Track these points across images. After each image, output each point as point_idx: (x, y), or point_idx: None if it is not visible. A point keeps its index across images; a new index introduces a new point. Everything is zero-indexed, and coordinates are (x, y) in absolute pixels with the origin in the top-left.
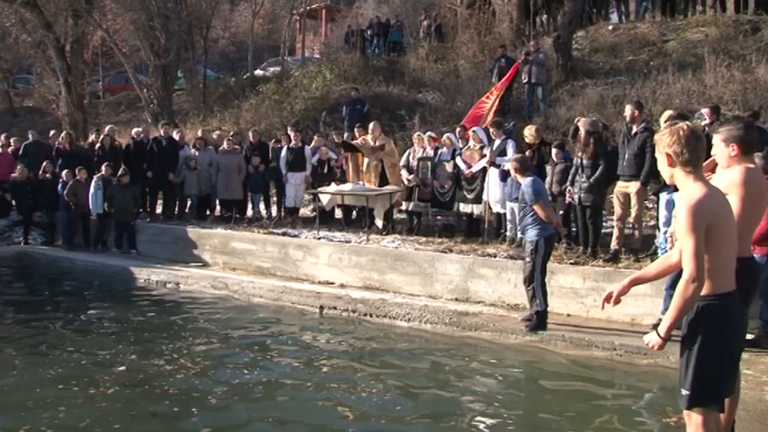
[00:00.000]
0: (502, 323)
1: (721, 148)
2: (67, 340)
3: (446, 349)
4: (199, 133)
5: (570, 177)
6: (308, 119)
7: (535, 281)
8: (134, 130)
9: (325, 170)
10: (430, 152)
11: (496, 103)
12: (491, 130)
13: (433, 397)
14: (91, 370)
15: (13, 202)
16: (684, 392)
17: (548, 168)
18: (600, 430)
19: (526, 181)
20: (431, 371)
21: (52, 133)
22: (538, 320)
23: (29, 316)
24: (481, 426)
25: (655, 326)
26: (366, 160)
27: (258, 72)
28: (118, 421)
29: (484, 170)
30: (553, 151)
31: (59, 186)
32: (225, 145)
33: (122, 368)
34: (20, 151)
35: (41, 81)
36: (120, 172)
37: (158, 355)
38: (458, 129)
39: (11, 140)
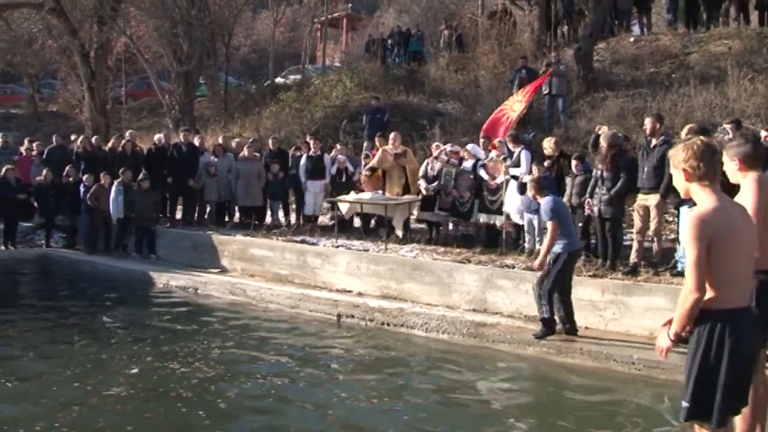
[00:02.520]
0: (520, 335)
1: (728, 165)
2: (84, 342)
3: (463, 360)
4: (219, 140)
5: (589, 189)
6: (328, 127)
7: (543, 288)
8: (156, 136)
9: (344, 179)
10: (453, 161)
11: (521, 113)
12: (508, 142)
13: (449, 408)
14: (107, 372)
15: (36, 205)
16: (684, 404)
17: (568, 180)
18: None
19: (544, 200)
20: (448, 382)
21: (73, 137)
22: (544, 327)
23: (48, 317)
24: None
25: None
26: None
27: (279, 80)
28: (130, 423)
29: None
30: (573, 162)
31: (81, 190)
32: (245, 152)
33: (137, 371)
34: (44, 155)
35: (66, 86)
36: (140, 177)
37: (174, 359)
38: (482, 140)
39: (35, 144)
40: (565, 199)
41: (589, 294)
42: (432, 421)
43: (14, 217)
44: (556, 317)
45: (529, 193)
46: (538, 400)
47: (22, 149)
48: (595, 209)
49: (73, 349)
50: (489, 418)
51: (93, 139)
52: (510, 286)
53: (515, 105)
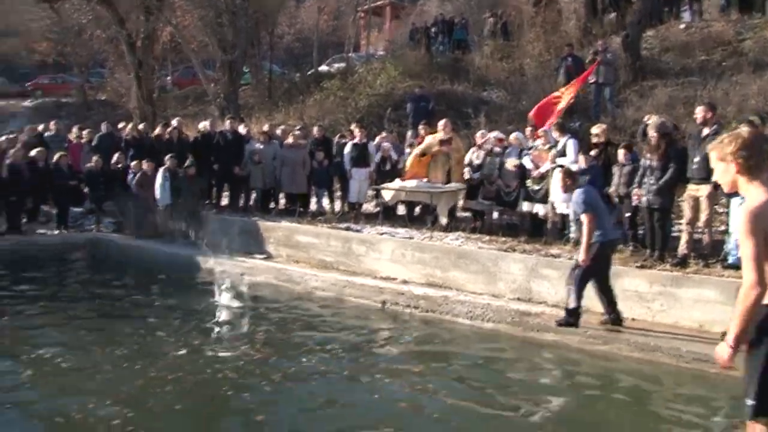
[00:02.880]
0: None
1: None
2: (131, 324)
3: (508, 349)
4: (265, 127)
5: (637, 179)
6: (372, 116)
7: (573, 277)
8: (201, 124)
9: (388, 167)
10: (498, 150)
11: (568, 102)
12: (553, 131)
13: (492, 398)
14: (154, 354)
15: (86, 191)
16: (749, 402)
17: (615, 169)
18: None
19: (576, 193)
20: (492, 371)
21: (121, 125)
22: (567, 316)
23: (97, 299)
24: (538, 428)
25: (725, 334)
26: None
27: (322, 68)
28: (177, 403)
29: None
30: (621, 152)
31: (128, 176)
32: (290, 139)
33: (183, 353)
34: (93, 143)
35: (114, 75)
36: (186, 164)
37: (219, 343)
38: (528, 128)
39: (85, 132)
40: (612, 188)
41: (636, 285)
42: (475, 407)
43: (66, 203)
44: (581, 310)
45: (561, 184)
46: (582, 390)
47: (72, 137)
48: (644, 199)
49: (121, 331)
50: (531, 407)
51: (140, 127)
52: (555, 275)
53: (564, 96)
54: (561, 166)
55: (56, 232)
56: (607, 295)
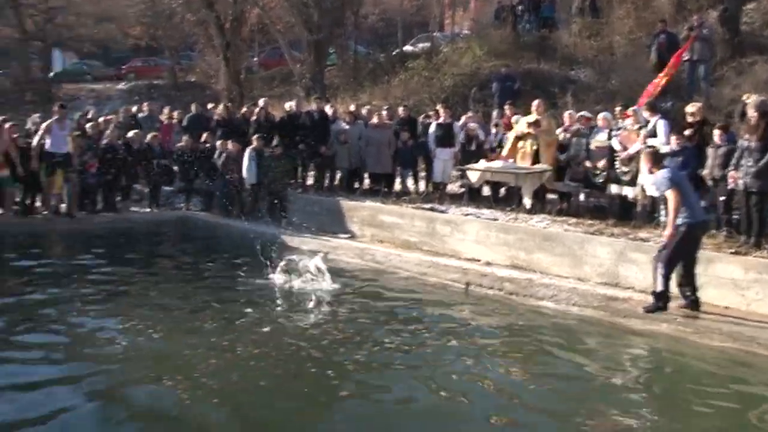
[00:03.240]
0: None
1: None
2: (218, 300)
3: (594, 334)
4: (351, 108)
5: (734, 161)
6: (457, 95)
7: (660, 260)
8: (287, 104)
9: (473, 147)
10: (585, 131)
11: (664, 82)
12: (644, 111)
13: (576, 384)
14: (239, 330)
15: (177, 170)
16: None
17: (709, 151)
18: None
19: (659, 172)
20: (577, 356)
21: (209, 105)
22: (655, 300)
23: (185, 275)
24: (622, 417)
25: None
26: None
27: (407, 48)
28: (262, 379)
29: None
30: (716, 132)
31: (216, 156)
32: (375, 119)
33: (268, 329)
34: (184, 123)
35: (203, 57)
36: (273, 144)
37: (304, 320)
38: (618, 108)
39: (175, 113)
40: (706, 171)
41: (731, 272)
42: (559, 393)
43: (158, 182)
44: (670, 293)
45: (644, 165)
46: (670, 380)
47: (164, 117)
48: (740, 182)
49: (207, 306)
50: (615, 396)
51: (229, 107)
52: (644, 260)
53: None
54: (650, 147)
55: (148, 210)
56: (689, 279)
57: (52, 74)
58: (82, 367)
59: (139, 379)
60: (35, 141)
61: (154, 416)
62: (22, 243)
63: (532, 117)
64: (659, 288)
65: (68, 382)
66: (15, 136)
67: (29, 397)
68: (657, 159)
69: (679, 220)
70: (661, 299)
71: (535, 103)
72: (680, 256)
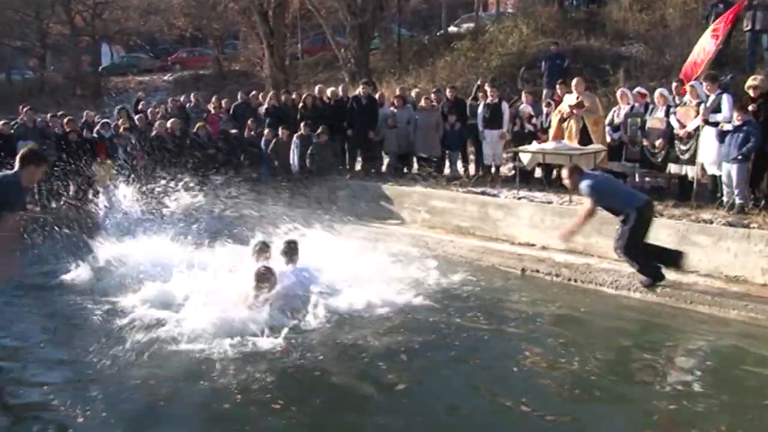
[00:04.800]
0: (720, 296)
1: None
2: None
3: (656, 322)
4: (398, 91)
5: None
6: (505, 76)
7: (620, 250)
8: (329, 90)
9: (524, 129)
10: (640, 109)
11: (713, 53)
12: (705, 84)
13: (639, 373)
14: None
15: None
16: None
17: None
18: None
19: (583, 182)
20: (639, 344)
21: (252, 93)
22: (644, 276)
23: None
24: (682, 408)
25: None
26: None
27: (452, 29)
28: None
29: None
30: None
31: (263, 143)
32: (422, 102)
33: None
34: (230, 112)
35: (247, 46)
36: (319, 131)
37: (357, 306)
38: (674, 84)
39: (222, 102)
40: None
41: None
42: (621, 382)
43: (206, 171)
44: (650, 263)
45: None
46: (737, 370)
47: (210, 107)
48: None
49: None
50: (677, 386)
51: (273, 94)
52: (708, 242)
53: (709, 42)
54: (714, 124)
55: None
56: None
57: (101, 68)
58: None
59: None
60: None
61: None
62: None
63: (573, 96)
64: (635, 267)
65: None
66: (69, 130)
67: None
68: (576, 172)
69: (628, 210)
70: (646, 272)
71: (574, 81)
72: (635, 240)
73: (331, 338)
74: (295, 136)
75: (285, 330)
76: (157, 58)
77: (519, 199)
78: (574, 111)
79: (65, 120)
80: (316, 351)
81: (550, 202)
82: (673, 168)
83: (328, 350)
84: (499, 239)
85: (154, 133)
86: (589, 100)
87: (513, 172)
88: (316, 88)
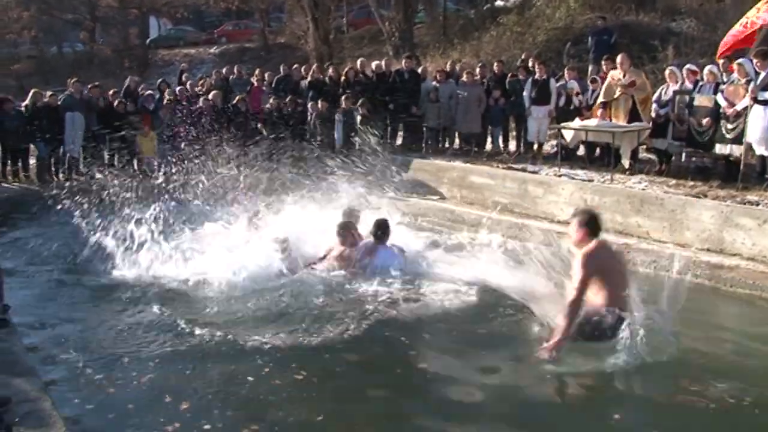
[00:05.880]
0: (764, 281)
1: None
2: None
3: (696, 307)
4: (444, 66)
5: None
6: (551, 51)
7: None
8: (373, 63)
9: (570, 105)
10: (689, 85)
11: (764, 24)
12: (755, 61)
13: (677, 359)
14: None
15: (265, 133)
16: None
17: None
18: None
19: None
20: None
21: (295, 66)
22: None
23: None
24: (713, 402)
25: None
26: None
27: (498, 3)
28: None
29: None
30: None
31: (307, 117)
32: (464, 77)
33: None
34: (273, 85)
35: (292, 19)
36: (359, 104)
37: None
38: (722, 61)
39: (266, 74)
40: None
41: None
42: (657, 367)
43: (245, 144)
44: None
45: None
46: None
47: (254, 80)
48: None
49: None
50: (712, 374)
51: (316, 67)
52: (753, 225)
53: (760, 13)
54: (763, 102)
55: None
56: None
57: (148, 41)
58: None
59: None
60: None
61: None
62: None
63: (618, 72)
64: None
65: None
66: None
67: None
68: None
69: None
70: None
71: (619, 58)
72: None
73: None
74: (339, 109)
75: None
76: (203, 31)
77: (559, 176)
78: (626, 91)
79: (111, 92)
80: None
81: (591, 180)
82: (719, 148)
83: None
84: (537, 217)
85: (196, 106)
86: (638, 78)
87: (555, 149)
88: (358, 62)
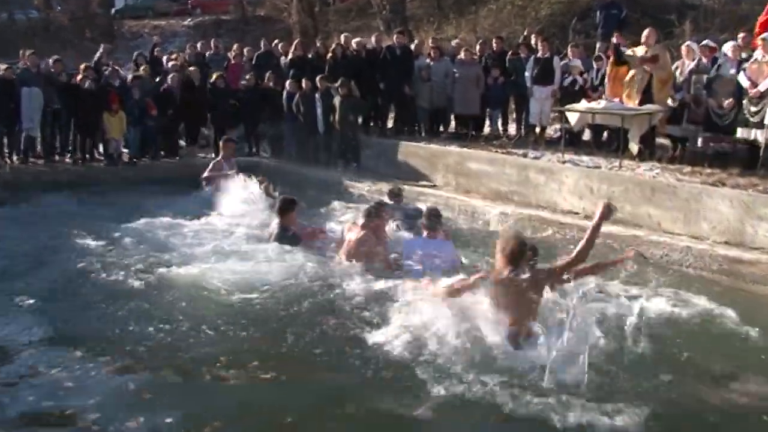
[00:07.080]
0: None
1: None
2: None
3: (711, 305)
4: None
5: None
6: (555, 26)
7: None
8: (360, 39)
9: (576, 86)
10: (707, 64)
11: None
12: None
13: (687, 360)
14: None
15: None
16: None
17: None
18: None
19: None
20: (688, 328)
21: (275, 42)
22: None
23: None
24: (730, 404)
25: None
26: (631, 72)
27: None
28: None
29: None
30: None
31: (284, 97)
32: (462, 54)
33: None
34: (253, 61)
35: None
36: (338, 83)
37: None
38: (742, 35)
39: (245, 50)
40: None
41: None
42: (668, 365)
43: (223, 125)
44: None
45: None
46: None
47: (231, 54)
48: None
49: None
50: (728, 379)
51: (298, 43)
52: None
53: None
54: None
55: (214, 155)
56: None
57: (114, 10)
58: None
59: None
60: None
61: None
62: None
63: (641, 49)
64: None
65: None
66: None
67: None
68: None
69: None
70: None
71: (646, 32)
72: None
73: None
74: (319, 89)
75: None
76: (175, 1)
77: (563, 162)
78: (646, 66)
79: (82, 66)
80: None
81: (598, 167)
82: (740, 132)
83: None
84: (539, 206)
85: (165, 86)
86: (662, 55)
87: (558, 133)
88: (342, 37)
